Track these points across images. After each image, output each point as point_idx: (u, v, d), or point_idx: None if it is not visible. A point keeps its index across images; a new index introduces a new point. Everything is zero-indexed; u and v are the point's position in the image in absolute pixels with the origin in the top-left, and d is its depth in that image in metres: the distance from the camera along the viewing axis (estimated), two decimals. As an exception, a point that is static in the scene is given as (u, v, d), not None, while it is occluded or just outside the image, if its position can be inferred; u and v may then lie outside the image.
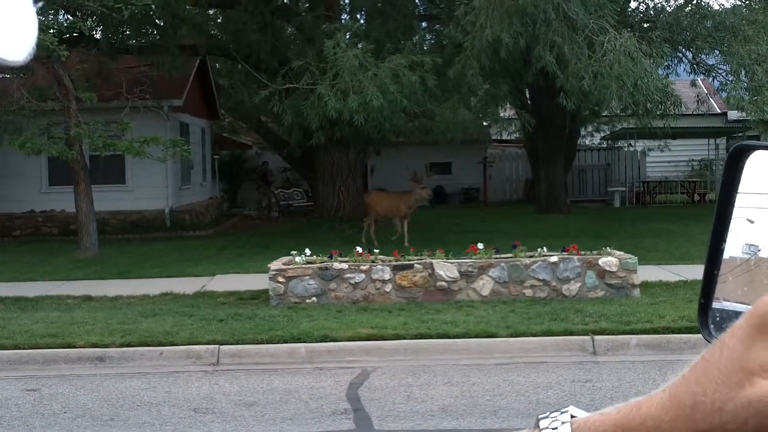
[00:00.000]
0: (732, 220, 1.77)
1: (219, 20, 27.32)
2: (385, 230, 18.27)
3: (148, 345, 9.65)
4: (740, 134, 34.98)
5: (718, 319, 1.79)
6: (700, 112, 32.85)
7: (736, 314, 1.70)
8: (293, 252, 12.19)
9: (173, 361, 9.43)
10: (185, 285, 13.41)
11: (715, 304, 1.85)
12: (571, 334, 9.56)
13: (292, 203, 28.95)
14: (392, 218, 18.59)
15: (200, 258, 17.14)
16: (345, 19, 22.59)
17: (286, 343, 9.64)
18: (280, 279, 11.68)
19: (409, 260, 11.85)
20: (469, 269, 11.60)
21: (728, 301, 1.78)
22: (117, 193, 23.30)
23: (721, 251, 1.78)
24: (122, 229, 22.96)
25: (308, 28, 21.10)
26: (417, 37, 23.96)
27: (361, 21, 22.36)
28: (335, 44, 17.56)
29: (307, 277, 11.67)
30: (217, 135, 32.60)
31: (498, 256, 11.93)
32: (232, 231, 24.21)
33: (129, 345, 9.64)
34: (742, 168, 1.76)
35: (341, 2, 23.82)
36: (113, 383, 8.69)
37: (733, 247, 1.80)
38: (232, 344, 9.64)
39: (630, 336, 9.43)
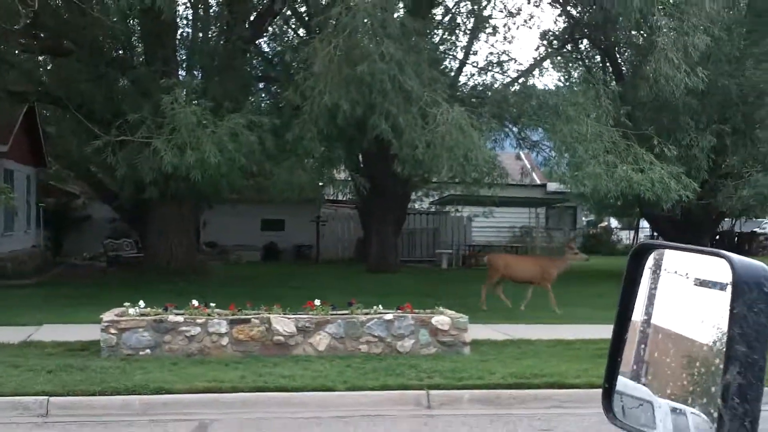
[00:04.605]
0: (634, 312, 2.00)
1: (50, 67, 26.65)
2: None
3: (-28, 396, 9.23)
4: (559, 204, 37.42)
5: (622, 404, 1.95)
6: (524, 183, 34.65)
7: (641, 401, 1.88)
8: (126, 303, 11.95)
9: (-2, 412, 9.06)
10: (10, 334, 12.82)
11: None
12: (407, 388, 9.84)
13: (121, 254, 28.25)
14: (531, 283, 17.16)
15: (25, 307, 16.35)
16: (182, 75, 22.55)
17: (120, 395, 9.42)
18: (113, 330, 11.42)
19: (246, 315, 11.87)
20: (307, 325, 11.75)
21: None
22: (-69, 240, 22.13)
23: (624, 339, 2.02)
24: (-64, 276, 21.75)
25: (144, 81, 20.90)
26: (254, 98, 24.22)
27: (199, 77, 22.33)
28: (173, 100, 17.53)
29: (141, 329, 11.48)
30: (44, 183, 31.54)
31: (334, 312, 12.12)
32: (58, 281, 23.30)
33: (-50, 396, 9.20)
34: (644, 264, 2.00)
35: (178, 58, 23.78)
36: (-66, 435, 8.28)
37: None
38: (62, 395, 9.34)
39: (463, 391, 9.80)
